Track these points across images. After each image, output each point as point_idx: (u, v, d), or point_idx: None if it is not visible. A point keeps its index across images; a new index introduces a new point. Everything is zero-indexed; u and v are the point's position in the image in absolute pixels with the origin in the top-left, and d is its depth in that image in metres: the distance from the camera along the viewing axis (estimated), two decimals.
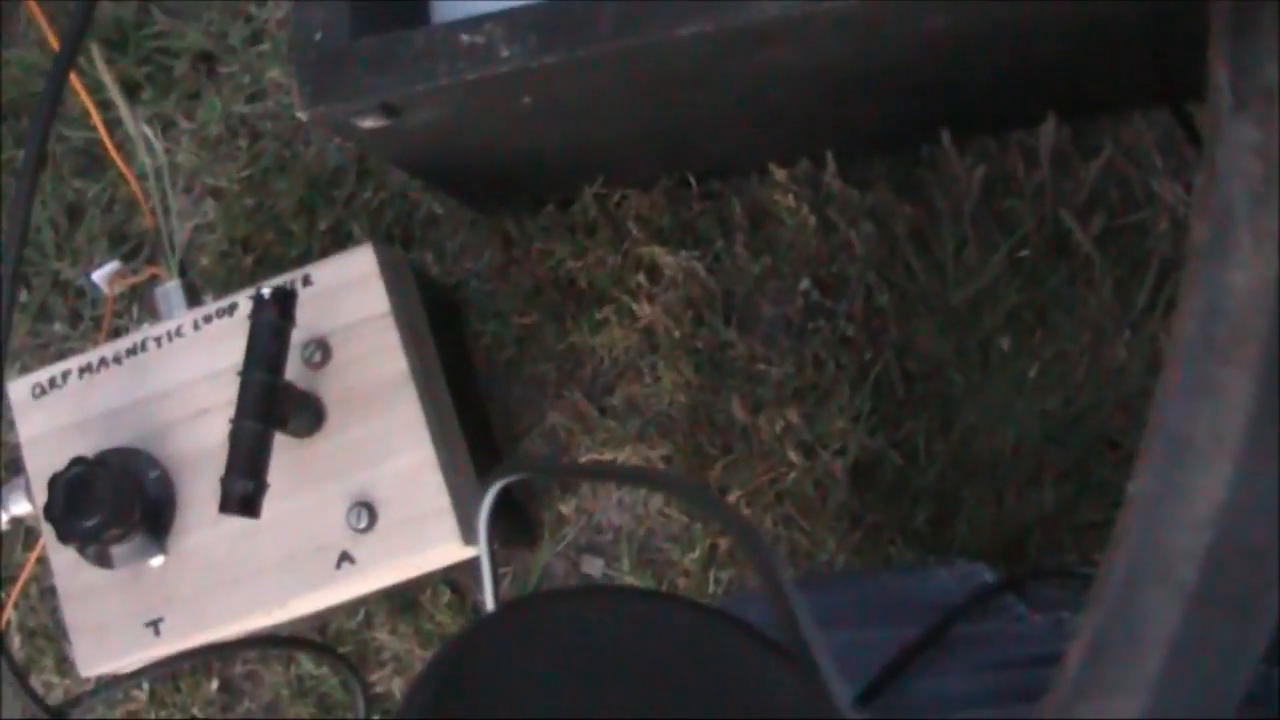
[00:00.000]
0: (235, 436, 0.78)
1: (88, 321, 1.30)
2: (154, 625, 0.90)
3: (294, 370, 0.79)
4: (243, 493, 0.77)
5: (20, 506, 0.96)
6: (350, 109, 0.84)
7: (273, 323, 0.70)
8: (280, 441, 0.84)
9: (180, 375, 0.92)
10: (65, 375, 0.94)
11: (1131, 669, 0.24)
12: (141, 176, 1.12)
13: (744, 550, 0.42)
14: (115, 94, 1.13)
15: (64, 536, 0.85)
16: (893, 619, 0.77)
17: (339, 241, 1.22)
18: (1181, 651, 0.24)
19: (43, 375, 0.95)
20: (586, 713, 0.48)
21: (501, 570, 1.16)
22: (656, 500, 1.13)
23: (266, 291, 0.70)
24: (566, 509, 1.15)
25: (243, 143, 1.28)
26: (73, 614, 0.93)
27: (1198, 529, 0.23)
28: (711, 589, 1.11)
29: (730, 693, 0.49)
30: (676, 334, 1.13)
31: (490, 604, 0.57)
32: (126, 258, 1.28)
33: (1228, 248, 0.22)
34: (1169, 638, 0.24)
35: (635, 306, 1.13)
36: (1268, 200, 0.22)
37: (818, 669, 0.40)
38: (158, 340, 0.93)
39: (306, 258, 1.21)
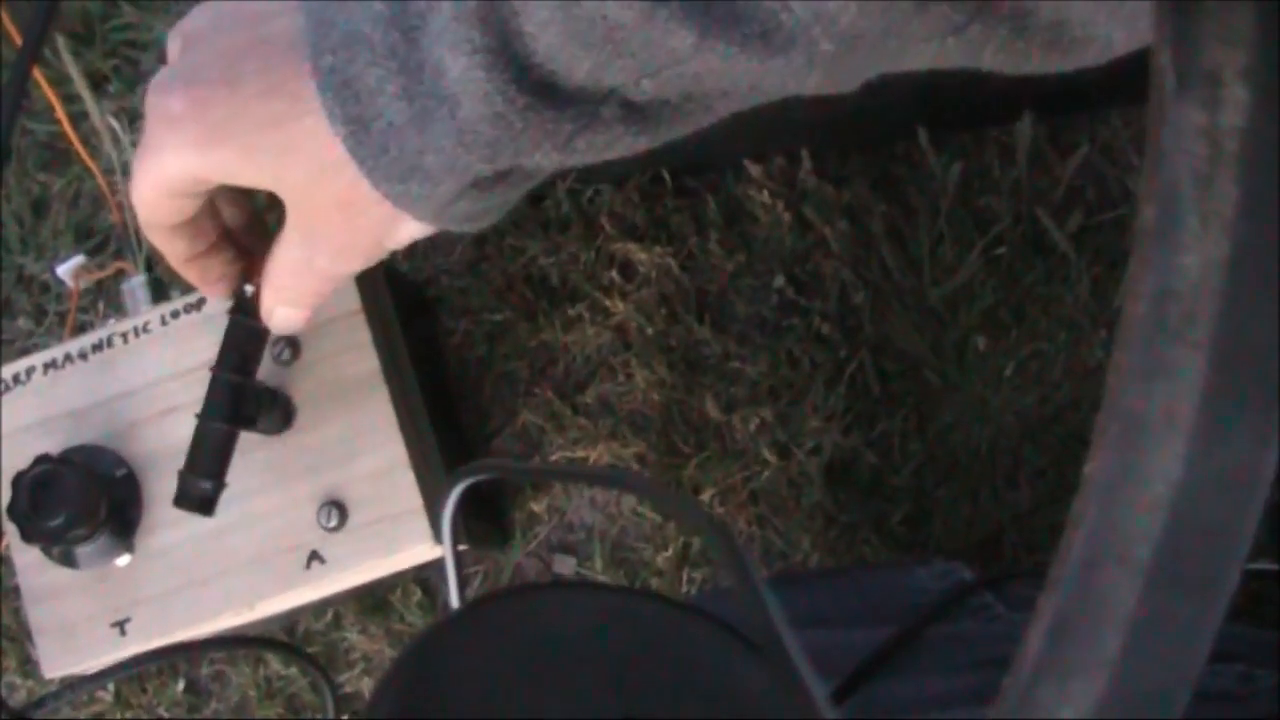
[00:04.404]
0: (200, 434, 0.77)
1: (52, 317, 1.28)
2: (120, 625, 0.89)
3: (263, 367, 0.77)
4: (199, 492, 0.76)
5: None
6: None
7: (252, 323, 0.69)
8: (249, 440, 0.83)
9: (147, 372, 0.90)
10: (29, 371, 0.92)
11: (1091, 650, 0.24)
12: (108, 171, 1.11)
13: (713, 547, 0.42)
14: (81, 87, 1.12)
15: (28, 536, 0.84)
16: (869, 618, 0.77)
17: None
18: (1140, 631, 0.24)
19: (6, 371, 0.93)
20: (555, 707, 0.48)
21: (473, 570, 1.15)
22: (629, 499, 1.12)
23: (250, 289, 0.68)
24: (538, 508, 1.15)
25: None
26: (37, 614, 0.91)
27: (1153, 509, 0.23)
28: (685, 588, 1.10)
29: (700, 686, 0.48)
30: (650, 331, 1.12)
31: (455, 601, 0.57)
32: (92, 253, 1.26)
33: (1175, 230, 0.23)
34: (1128, 618, 0.24)
35: (608, 303, 1.13)
36: (1213, 182, 0.22)
37: (790, 663, 0.40)
38: (124, 336, 0.91)
39: None
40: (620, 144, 0.46)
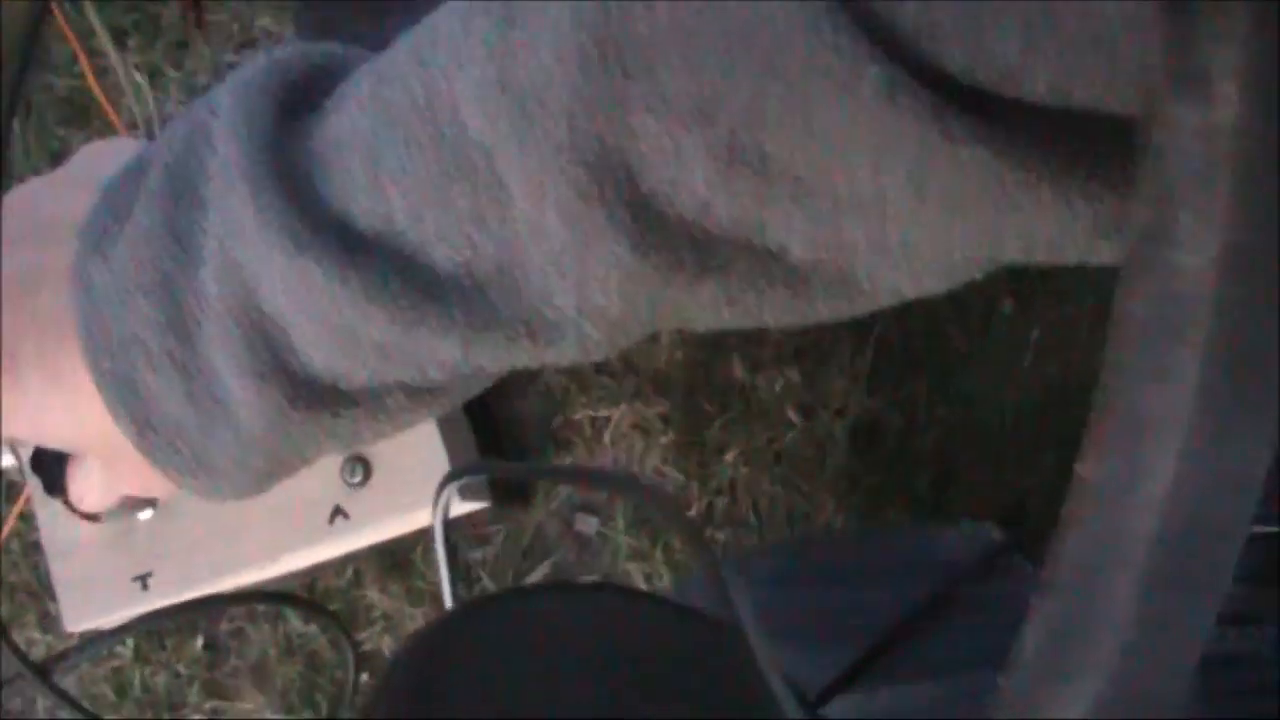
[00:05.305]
0: None
1: None
2: (142, 580, 0.88)
3: None
4: None
5: (3, 459, 0.94)
6: None
7: None
8: None
9: None
10: None
11: (1087, 652, 0.24)
12: (130, 125, 1.10)
13: (691, 555, 0.42)
14: (106, 42, 1.11)
15: (51, 489, 0.84)
16: (897, 579, 0.77)
17: None
18: (1137, 633, 0.24)
19: None
20: (550, 708, 0.48)
21: (494, 528, 1.15)
22: (653, 458, 1.12)
23: None
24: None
25: None
26: (59, 569, 0.91)
27: (1150, 510, 0.23)
28: None
29: (693, 685, 0.49)
30: None
31: (448, 600, 0.57)
32: None
33: (1171, 230, 0.22)
34: (1125, 620, 0.24)
35: None
36: (1208, 181, 0.22)
37: (759, 664, 0.41)
38: None
39: None
40: (409, 421, 0.46)
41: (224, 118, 0.41)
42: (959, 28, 0.31)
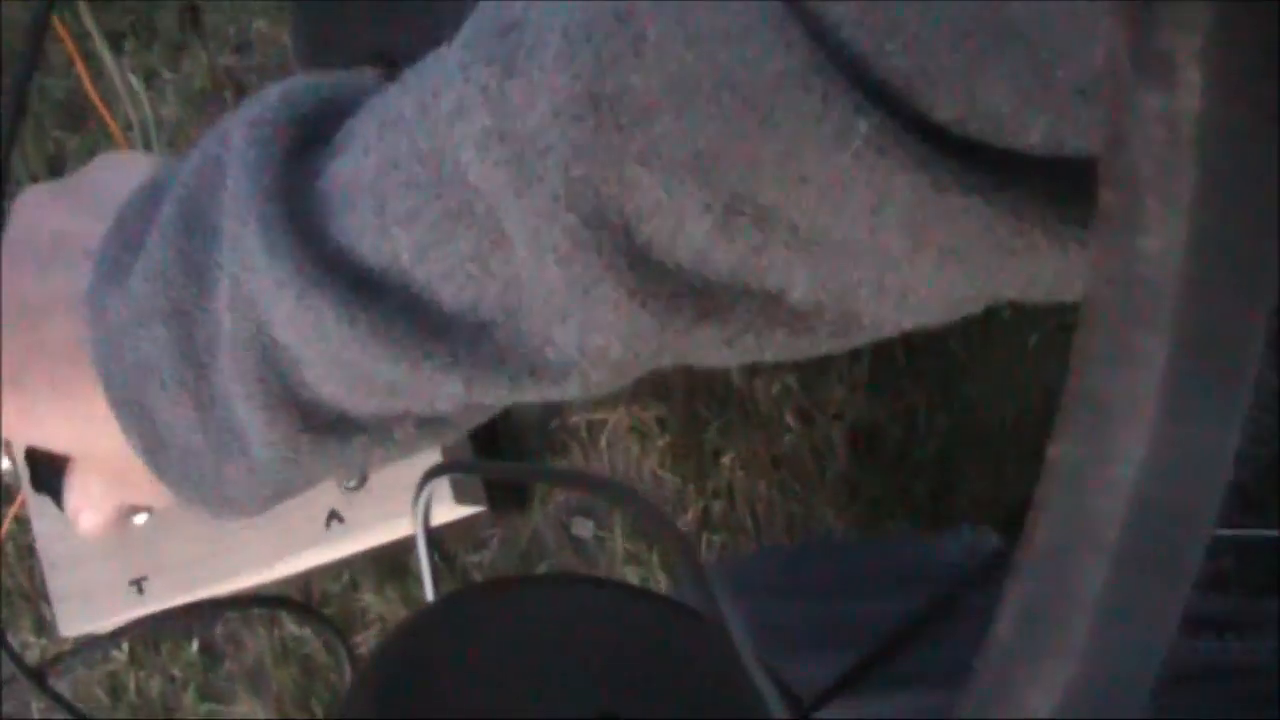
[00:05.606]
0: None
1: None
2: (138, 584, 0.88)
3: None
4: None
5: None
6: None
7: None
8: None
9: None
10: None
11: (1060, 634, 0.24)
12: (126, 129, 1.10)
13: (678, 558, 0.42)
14: (102, 45, 1.11)
15: (39, 485, 0.83)
16: (897, 587, 0.77)
17: None
18: (1109, 614, 0.24)
19: None
20: (533, 704, 0.48)
21: (490, 533, 1.15)
22: (650, 462, 1.12)
23: None
24: None
25: (229, 96, 1.26)
26: (54, 573, 0.91)
27: (1118, 491, 0.23)
28: (705, 552, 1.10)
29: (679, 679, 0.49)
30: None
31: (430, 595, 0.57)
32: None
33: (1137, 214, 0.22)
34: (1096, 601, 0.24)
35: None
36: (1173, 166, 0.22)
37: (743, 664, 0.41)
38: None
39: None
40: (418, 449, 0.47)
41: (235, 153, 0.42)
42: (949, 81, 0.31)
